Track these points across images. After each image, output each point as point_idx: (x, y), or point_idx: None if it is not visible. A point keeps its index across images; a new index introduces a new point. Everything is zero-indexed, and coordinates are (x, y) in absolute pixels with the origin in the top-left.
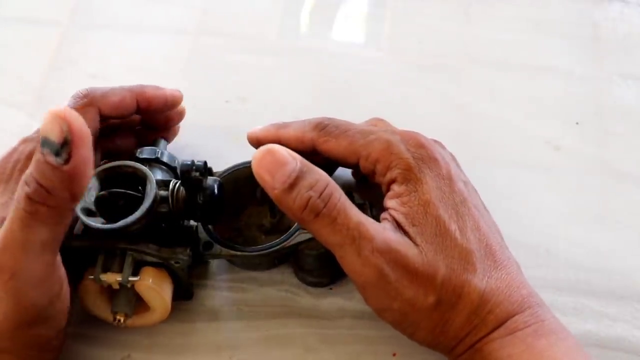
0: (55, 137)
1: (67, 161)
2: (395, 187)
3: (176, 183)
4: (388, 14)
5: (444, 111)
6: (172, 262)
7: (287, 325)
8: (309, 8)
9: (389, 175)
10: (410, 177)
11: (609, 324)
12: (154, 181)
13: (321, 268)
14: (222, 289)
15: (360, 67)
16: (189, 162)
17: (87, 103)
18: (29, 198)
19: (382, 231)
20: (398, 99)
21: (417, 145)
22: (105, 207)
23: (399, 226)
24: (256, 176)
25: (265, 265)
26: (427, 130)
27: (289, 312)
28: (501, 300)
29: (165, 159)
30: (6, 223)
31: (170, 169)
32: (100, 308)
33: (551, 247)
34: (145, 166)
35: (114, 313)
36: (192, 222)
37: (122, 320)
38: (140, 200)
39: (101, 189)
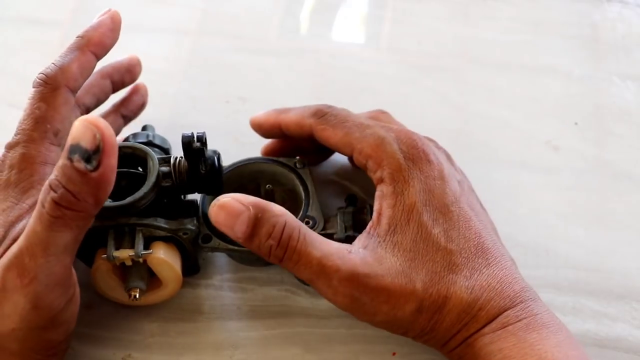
0: (87, 144)
1: (96, 168)
2: (384, 188)
3: (176, 157)
4: (388, 14)
5: (443, 111)
6: (181, 233)
7: (286, 324)
8: (309, 8)
9: (379, 174)
10: (398, 178)
11: (608, 323)
12: (155, 157)
13: None
14: (222, 288)
15: (360, 67)
16: (189, 134)
17: (53, 87)
18: (55, 202)
19: (348, 258)
20: (398, 99)
21: (410, 145)
22: None
23: (377, 235)
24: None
25: (263, 261)
26: (427, 130)
27: (288, 312)
28: (492, 297)
29: (157, 142)
30: (29, 227)
31: (163, 150)
32: (114, 289)
33: (550, 247)
34: None
35: (129, 290)
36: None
37: (137, 295)
38: (142, 178)
39: None
